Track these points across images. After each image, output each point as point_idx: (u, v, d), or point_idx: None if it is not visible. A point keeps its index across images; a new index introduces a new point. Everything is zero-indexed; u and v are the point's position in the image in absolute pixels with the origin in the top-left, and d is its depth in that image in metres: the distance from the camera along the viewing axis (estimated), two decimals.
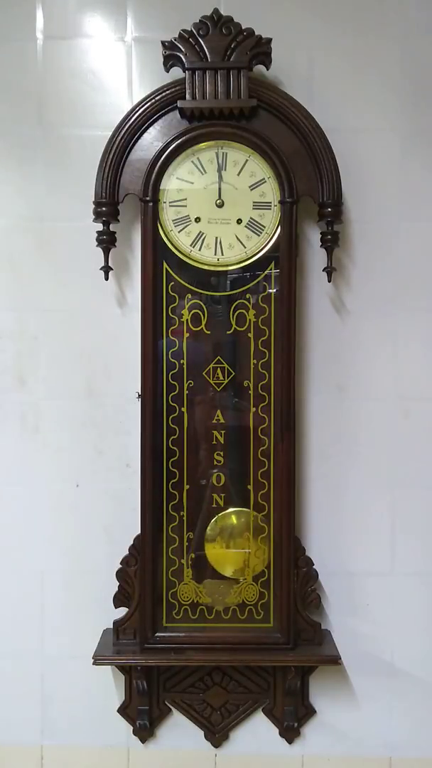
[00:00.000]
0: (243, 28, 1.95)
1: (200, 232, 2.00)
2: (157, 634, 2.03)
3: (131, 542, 2.08)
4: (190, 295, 2.03)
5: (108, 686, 2.17)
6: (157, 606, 2.04)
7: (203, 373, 2.05)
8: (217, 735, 2.15)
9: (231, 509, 2.08)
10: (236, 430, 2.07)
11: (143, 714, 2.12)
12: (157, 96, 1.98)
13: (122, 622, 2.07)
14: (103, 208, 1.99)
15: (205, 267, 2.02)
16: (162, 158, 1.97)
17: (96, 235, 2.01)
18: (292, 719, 2.13)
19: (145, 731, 2.14)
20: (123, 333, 2.13)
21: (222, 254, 2.01)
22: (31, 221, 2.13)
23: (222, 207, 2.00)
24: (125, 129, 1.98)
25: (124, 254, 2.11)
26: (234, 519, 2.08)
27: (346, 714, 2.17)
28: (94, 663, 2.02)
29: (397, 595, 2.16)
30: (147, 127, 1.99)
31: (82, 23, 2.12)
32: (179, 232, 2.00)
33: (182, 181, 2.00)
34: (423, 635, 2.17)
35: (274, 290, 2.02)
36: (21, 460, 2.17)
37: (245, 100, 1.95)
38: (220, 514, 2.07)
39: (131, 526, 2.06)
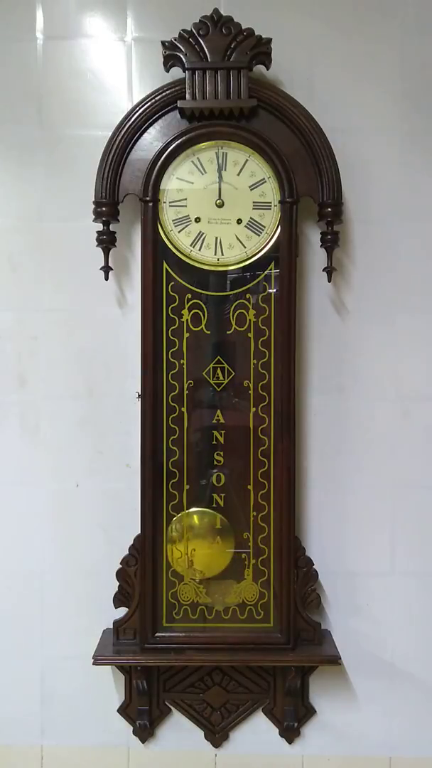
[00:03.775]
0: (243, 28, 1.95)
1: (200, 232, 2.01)
2: (157, 634, 2.03)
3: (131, 542, 2.08)
4: (190, 295, 2.03)
5: (108, 686, 2.17)
6: (157, 606, 2.04)
7: (203, 373, 2.05)
8: (217, 735, 2.15)
9: (193, 509, 2.07)
10: (236, 430, 2.07)
11: (143, 714, 2.12)
12: (157, 96, 1.98)
13: (122, 622, 2.07)
14: (103, 208, 1.99)
15: (205, 267, 2.02)
16: (162, 158, 1.97)
17: (96, 235, 2.01)
18: (292, 719, 2.13)
19: (145, 731, 2.14)
20: (123, 333, 2.13)
21: (222, 254, 2.01)
22: (31, 221, 2.13)
23: (222, 207, 2.00)
24: (125, 129, 1.98)
25: (124, 254, 2.11)
26: (197, 519, 2.07)
27: (346, 714, 2.17)
28: (94, 663, 2.02)
29: (397, 595, 2.16)
30: (147, 127, 1.99)
31: (82, 23, 2.12)
32: (179, 232, 2.00)
33: (182, 181, 2.00)
34: (423, 635, 2.17)
35: (274, 290, 2.02)
36: (21, 460, 2.17)
37: (245, 100, 1.95)
38: (181, 514, 2.06)
39: (131, 526, 2.06)
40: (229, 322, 2.04)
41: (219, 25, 1.95)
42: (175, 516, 2.06)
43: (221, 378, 2.05)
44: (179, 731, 2.16)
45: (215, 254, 2.01)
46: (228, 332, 2.05)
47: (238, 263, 2.01)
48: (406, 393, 2.15)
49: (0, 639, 2.19)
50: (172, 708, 2.15)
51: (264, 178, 1.99)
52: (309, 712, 2.16)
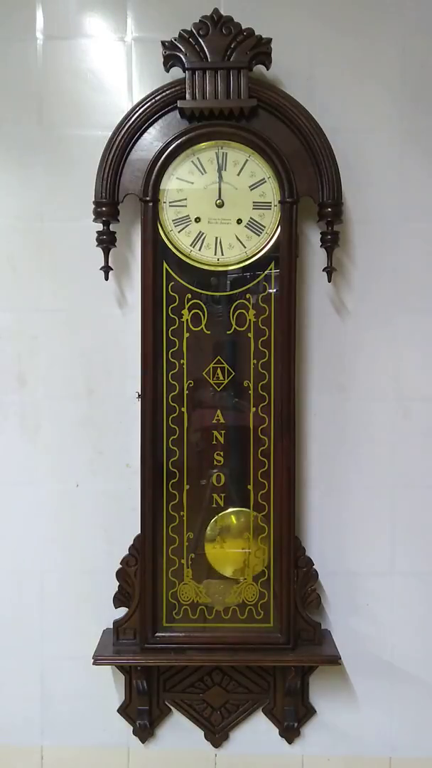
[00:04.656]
0: (243, 28, 1.95)
1: (200, 232, 2.00)
2: (157, 634, 2.03)
3: (131, 542, 2.08)
4: (190, 295, 2.03)
5: (108, 686, 2.17)
6: (157, 606, 2.04)
7: (203, 373, 2.05)
8: (217, 735, 2.15)
9: (231, 509, 2.08)
10: (236, 430, 2.07)
11: (143, 714, 2.12)
12: (157, 96, 1.98)
13: (122, 622, 2.07)
14: (103, 208, 1.99)
15: (205, 267, 2.01)
16: (162, 158, 1.97)
17: (96, 235, 2.01)
18: (292, 719, 2.13)
19: (145, 731, 2.14)
20: (123, 333, 2.13)
21: (222, 254, 2.01)
22: (31, 221, 2.13)
23: (222, 207, 2.00)
24: (125, 129, 1.98)
25: (124, 254, 2.11)
26: (233, 519, 2.08)
27: (346, 714, 2.17)
28: (94, 663, 2.02)
29: (397, 595, 2.16)
30: (147, 127, 1.99)
31: (82, 23, 2.12)
32: (179, 232, 2.00)
33: (182, 181, 2.00)
34: (423, 635, 2.17)
35: (274, 290, 2.02)
36: (21, 460, 2.17)
37: (245, 100, 1.95)
38: (220, 515, 2.07)
39: (131, 526, 2.06)
40: (229, 322, 2.04)
41: (219, 25, 1.95)
42: (176, 516, 2.06)
43: (221, 378, 2.05)
44: (179, 731, 2.16)
45: (215, 254, 2.01)
46: (228, 332, 2.05)
47: (238, 263, 2.01)
48: (406, 393, 2.15)
49: (0, 639, 2.19)
50: (172, 708, 2.15)
51: (264, 178, 1.99)
52: (309, 712, 2.16)
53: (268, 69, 2.01)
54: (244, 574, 2.07)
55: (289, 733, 2.15)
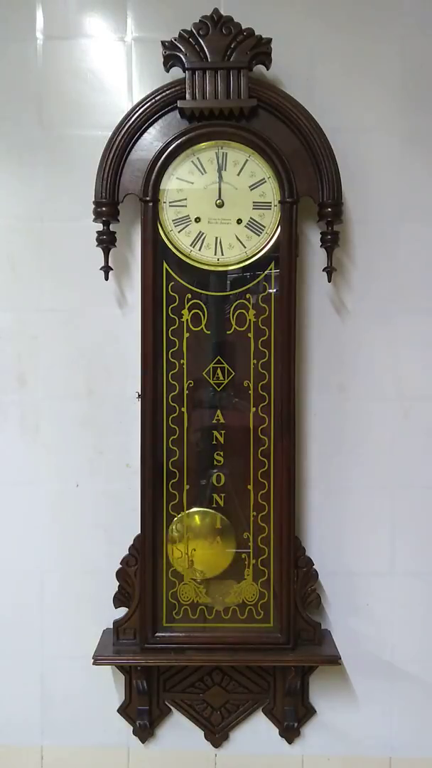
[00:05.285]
0: (243, 28, 1.95)
1: (200, 232, 2.01)
2: (157, 634, 2.03)
3: (131, 542, 2.08)
4: (190, 295, 2.03)
5: (108, 686, 2.17)
6: (157, 606, 2.04)
7: (203, 373, 2.05)
8: (217, 735, 2.15)
9: (195, 509, 2.07)
10: (236, 430, 2.07)
11: (143, 714, 2.12)
12: (157, 96, 1.98)
13: (122, 622, 2.07)
14: (103, 208, 1.99)
15: (205, 267, 2.02)
16: (162, 158, 1.97)
17: (96, 235, 2.01)
18: (292, 719, 2.13)
19: (145, 731, 2.14)
20: (123, 333, 2.13)
21: (222, 254, 2.01)
22: (31, 221, 2.13)
23: (222, 207, 2.00)
24: (125, 129, 1.98)
25: (124, 254, 2.11)
26: (198, 520, 2.07)
27: (346, 714, 2.17)
28: (94, 663, 2.02)
29: (397, 595, 2.16)
30: (147, 127, 1.99)
31: (82, 23, 2.12)
32: (179, 232, 2.00)
33: (182, 181, 2.00)
34: (423, 635, 2.17)
35: (274, 290, 2.02)
36: (21, 460, 2.17)
37: (245, 100, 1.95)
38: (182, 514, 2.06)
39: (131, 526, 2.06)
40: (229, 322, 2.04)
41: (219, 25, 1.95)
42: (175, 516, 2.06)
43: (221, 378, 2.05)
44: (179, 731, 2.16)
45: (215, 254, 2.01)
46: (228, 332, 2.05)
47: (238, 263, 2.01)
48: (406, 393, 2.15)
49: (0, 639, 2.19)
50: (172, 708, 2.15)
51: (264, 178, 1.99)
52: (309, 712, 2.16)
53: (268, 69, 2.01)
54: (207, 575, 2.06)
55: (289, 733, 2.15)
